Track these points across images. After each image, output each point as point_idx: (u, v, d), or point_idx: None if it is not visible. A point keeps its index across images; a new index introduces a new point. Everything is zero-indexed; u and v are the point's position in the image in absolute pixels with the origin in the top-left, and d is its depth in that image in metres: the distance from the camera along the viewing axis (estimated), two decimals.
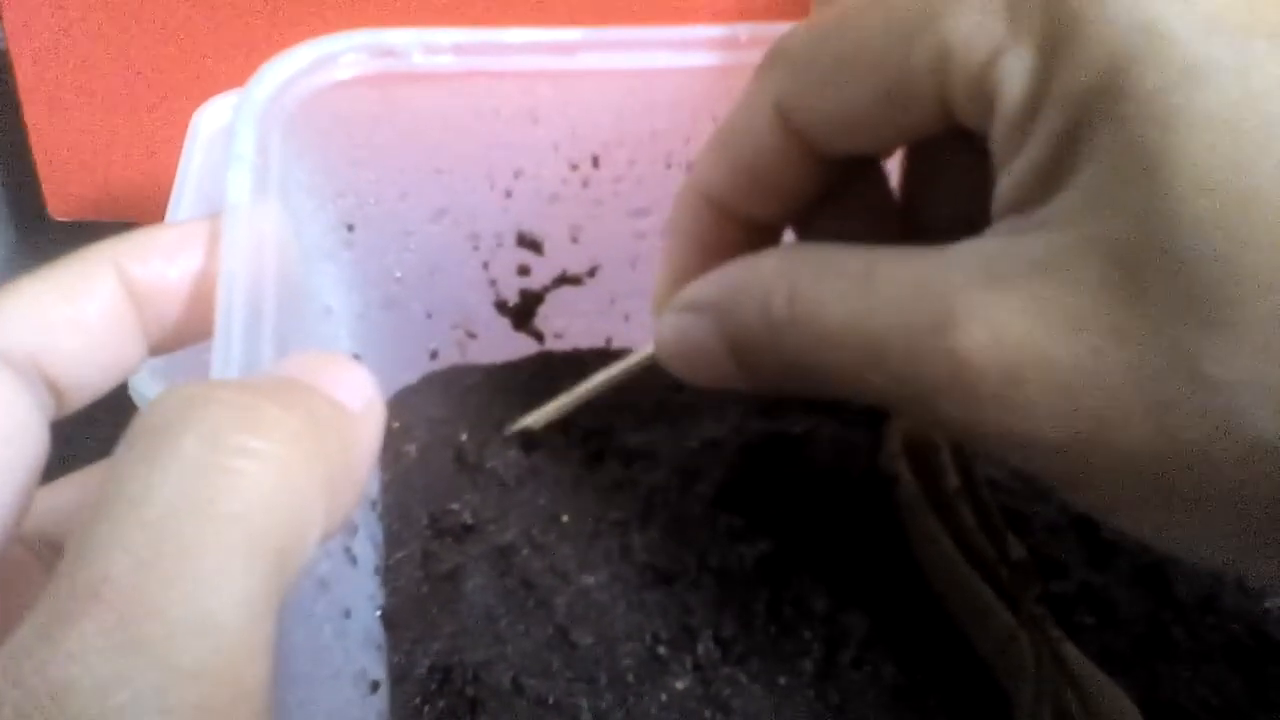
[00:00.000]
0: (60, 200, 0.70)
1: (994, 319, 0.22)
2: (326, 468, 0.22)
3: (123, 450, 0.20)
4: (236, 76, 0.61)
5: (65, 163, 0.68)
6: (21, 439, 0.24)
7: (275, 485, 0.20)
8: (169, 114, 0.63)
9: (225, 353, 0.26)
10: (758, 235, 0.31)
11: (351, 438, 0.23)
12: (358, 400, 0.24)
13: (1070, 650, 0.34)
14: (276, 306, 0.28)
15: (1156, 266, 0.21)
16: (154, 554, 0.18)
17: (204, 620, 0.18)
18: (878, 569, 0.38)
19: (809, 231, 0.32)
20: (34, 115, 0.65)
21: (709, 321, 0.29)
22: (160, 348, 0.28)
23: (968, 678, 0.36)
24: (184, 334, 0.28)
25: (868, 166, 0.31)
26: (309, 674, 0.27)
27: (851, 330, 0.25)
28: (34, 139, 0.66)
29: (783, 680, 0.35)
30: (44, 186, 0.69)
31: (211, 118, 0.58)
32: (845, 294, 0.25)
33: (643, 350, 0.36)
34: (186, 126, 0.57)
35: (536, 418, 0.40)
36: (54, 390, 0.26)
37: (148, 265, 0.27)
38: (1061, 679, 0.34)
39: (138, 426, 0.20)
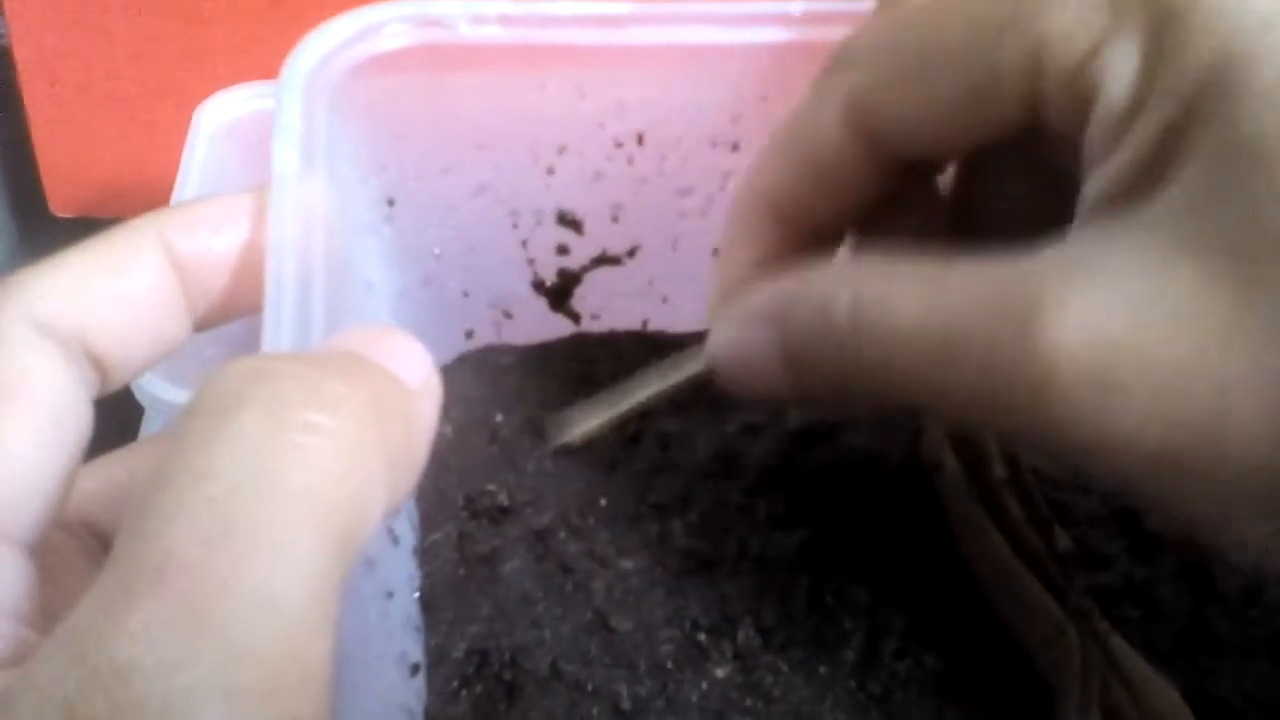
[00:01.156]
0: (62, 196, 0.70)
1: (1088, 317, 0.21)
2: (389, 445, 0.21)
3: (184, 424, 0.19)
4: (239, 73, 0.61)
5: (67, 159, 0.68)
6: (67, 417, 0.24)
7: (340, 462, 0.19)
8: (172, 110, 0.63)
9: (276, 325, 0.25)
10: (816, 240, 0.30)
11: (412, 415, 0.23)
12: (417, 377, 0.23)
13: (1118, 643, 0.34)
14: (326, 279, 0.27)
15: (1273, 263, 0.20)
16: (220, 530, 0.18)
17: (271, 599, 0.17)
18: (920, 559, 0.37)
19: (865, 236, 0.31)
20: (36, 111, 0.65)
21: (766, 333, 0.28)
22: (205, 322, 0.28)
23: (1012, 671, 0.35)
24: (229, 308, 0.28)
25: (927, 169, 0.30)
26: (358, 656, 0.27)
27: (924, 332, 0.24)
28: (36, 135, 0.66)
29: (824, 670, 0.35)
30: (45, 183, 0.69)
31: (214, 113, 0.58)
32: (918, 296, 0.24)
33: (691, 362, 0.35)
34: (189, 122, 0.57)
35: (579, 432, 0.39)
36: (98, 366, 0.25)
37: (193, 238, 0.27)
38: (1110, 673, 0.33)
39: (199, 400, 0.20)
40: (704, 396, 0.42)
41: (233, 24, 0.64)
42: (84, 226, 0.67)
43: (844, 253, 0.32)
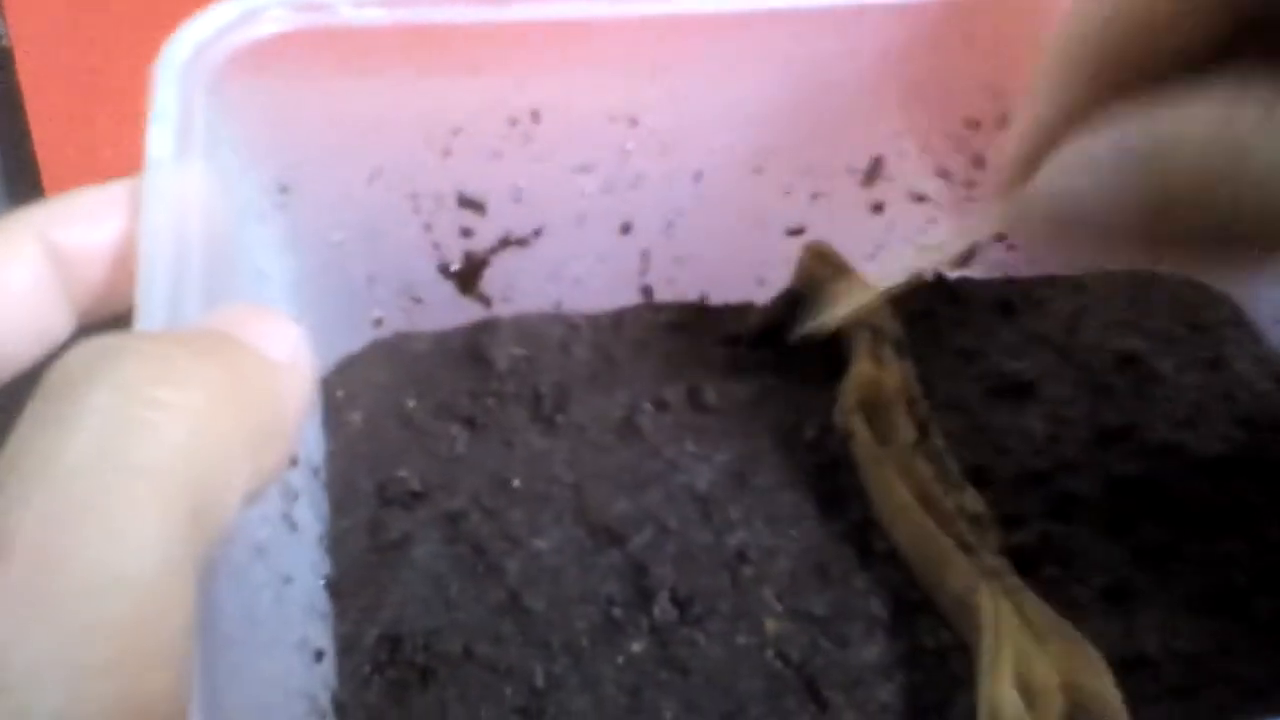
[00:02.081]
0: None
1: None
2: (248, 420, 0.21)
3: (32, 405, 0.19)
4: None
5: (68, 159, 0.67)
6: None
7: (190, 438, 0.19)
8: None
9: (149, 312, 0.25)
10: (1135, 98, 0.28)
11: (276, 390, 0.22)
12: (282, 352, 0.23)
13: (1031, 599, 0.34)
14: (203, 268, 0.27)
15: None
16: (60, 509, 0.17)
17: (114, 576, 0.17)
18: (836, 527, 0.37)
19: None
20: (36, 111, 0.65)
21: (1132, 164, 0.26)
22: (91, 315, 0.27)
23: (931, 635, 0.35)
24: (112, 299, 0.27)
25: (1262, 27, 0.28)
26: (245, 639, 0.26)
27: None
28: (36, 135, 0.66)
29: (741, 640, 0.35)
30: (45, 183, 0.68)
31: None
32: None
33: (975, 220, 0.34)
34: None
35: (836, 314, 0.38)
36: None
37: (70, 229, 0.26)
38: (1023, 632, 0.33)
39: (49, 380, 0.19)
40: (612, 373, 0.42)
41: None
42: None
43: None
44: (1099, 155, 0.27)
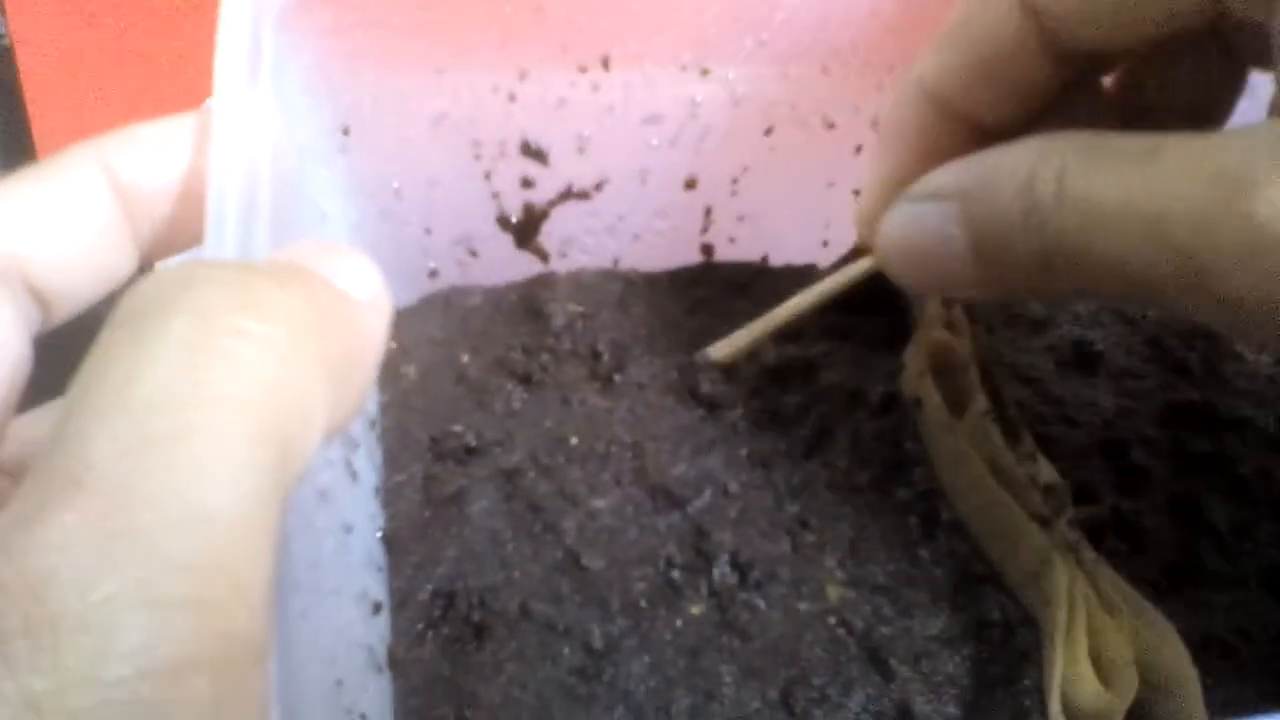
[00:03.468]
0: None
1: None
2: (329, 355, 0.20)
3: (107, 334, 0.18)
4: None
5: None
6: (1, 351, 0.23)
7: (275, 369, 0.18)
8: (174, 110, 0.62)
9: (218, 244, 0.24)
10: (977, 143, 0.29)
11: (356, 327, 0.21)
12: (362, 289, 0.22)
13: (1106, 573, 0.33)
14: (272, 202, 0.26)
15: None
16: (143, 440, 0.16)
17: (198, 510, 0.16)
18: (901, 496, 0.36)
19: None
20: (36, 111, 0.64)
21: (953, 210, 0.27)
22: (154, 253, 0.26)
23: (996, 605, 0.34)
24: (178, 237, 0.26)
25: (1097, 66, 0.30)
26: (310, 585, 0.25)
27: (1131, 204, 0.24)
28: (36, 135, 0.65)
29: (803, 607, 0.34)
30: None
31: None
32: (1126, 170, 0.24)
33: (853, 264, 0.34)
34: None
35: (729, 345, 0.38)
36: (39, 299, 0.24)
37: (135, 162, 0.26)
38: (1098, 605, 0.32)
39: (123, 309, 0.19)
40: (675, 336, 0.41)
41: None
42: None
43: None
44: (917, 213, 0.29)
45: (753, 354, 0.40)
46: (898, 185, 0.30)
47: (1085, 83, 0.30)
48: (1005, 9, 0.28)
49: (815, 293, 0.36)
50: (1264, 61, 0.25)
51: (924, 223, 0.28)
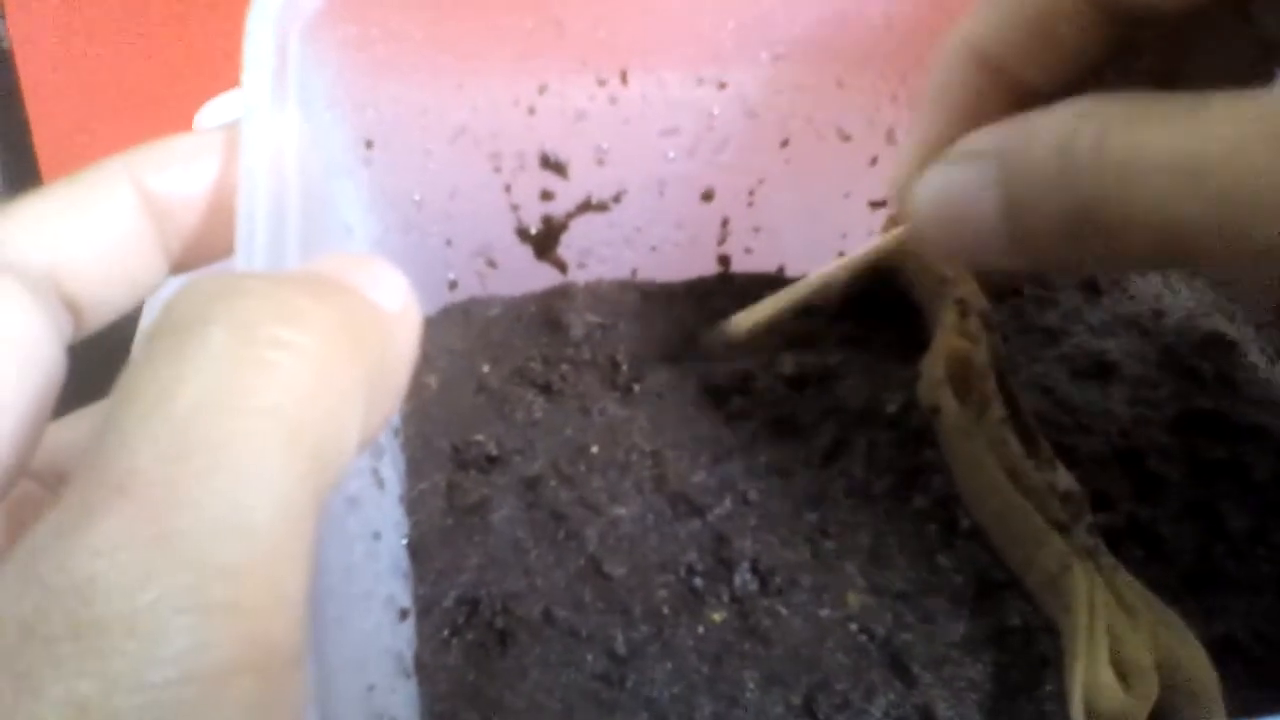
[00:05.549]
0: None
1: None
2: (364, 366, 0.20)
3: (145, 344, 0.19)
4: (239, 77, 0.61)
5: (68, 161, 0.67)
6: (34, 361, 0.23)
7: (312, 380, 0.19)
8: (172, 113, 0.63)
9: (248, 259, 0.24)
10: (1021, 104, 0.28)
11: (388, 338, 0.22)
12: (393, 300, 0.22)
13: (1125, 578, 0.33)
14: (300, 216, 0.26)
15: None
16: (185, 447, 0.17)
17: (240, 517, 0.17)
18: (919, 503, 0.37)
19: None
20: (36, 112, 0.65)
21: (989, 170, 0.27)
22: (183, 265, 0.27)
23: (1015, 611, 0.34)
24: (207, 248, 0.27)
25: (1143, 30, 0.29)
26: (343, 591, 0.26)
27: (1176, 153, 0.23)
28: (36, 135, 0.66)
29: (824, 614, 0.34)
30: (45, 184, 0.68)
31: (213, 117, 0.57)
32: (1171, 121, 0.24)
33: (884, 235, 0.34)
34: (190, 125, 0.56)
35: (750, 316, 0.38)
36: (72, 309, 0.24)
37: (165, 175, 0.26)
38: (1117, 610, 0.32)
39: (162, 320, 0.19)
40: (695, 349, 0.41)
41: (234, 26, 0.64)
42: None
43: None
44: (954, 174, 0.28)
45: (769, 362, 0.40)
46: (935, 150, 0.29)
47: (1131, 47, 0.30)
48: None
49: (838, 265, 0.36)
50: None
51: (959, 183, 0.28)
